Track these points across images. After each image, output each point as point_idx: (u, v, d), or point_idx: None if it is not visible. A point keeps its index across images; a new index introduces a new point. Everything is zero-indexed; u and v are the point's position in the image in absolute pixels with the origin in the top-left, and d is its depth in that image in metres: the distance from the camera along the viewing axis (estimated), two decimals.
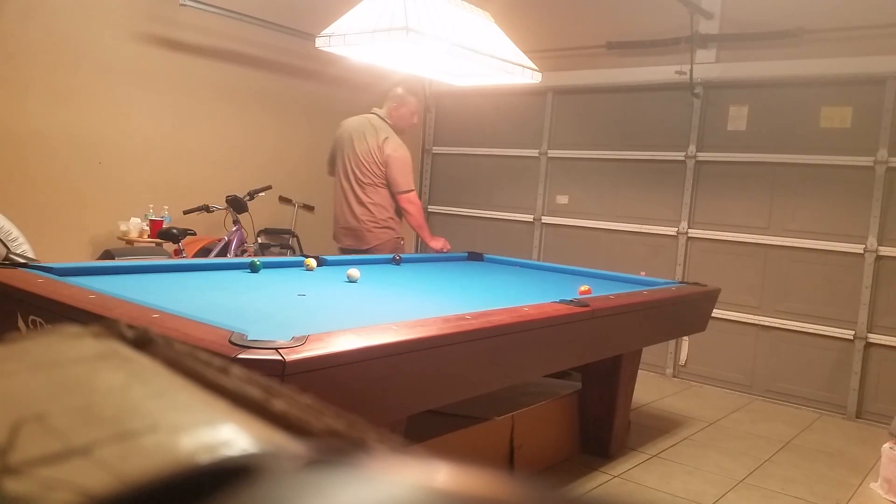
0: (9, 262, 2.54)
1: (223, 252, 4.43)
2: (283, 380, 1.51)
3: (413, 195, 4.12)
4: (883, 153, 4.29)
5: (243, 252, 4.52)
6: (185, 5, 4.53)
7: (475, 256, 4.50)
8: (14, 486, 0.28)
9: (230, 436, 0.33)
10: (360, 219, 4.05)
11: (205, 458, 0.30)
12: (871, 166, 4.33)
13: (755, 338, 4.77)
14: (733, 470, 3.34)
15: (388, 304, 2.69)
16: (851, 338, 4.41)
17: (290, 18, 5.13)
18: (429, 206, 6.43)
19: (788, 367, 4.63)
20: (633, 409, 3.83)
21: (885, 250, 4.31)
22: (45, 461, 0.29)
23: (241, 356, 1.51)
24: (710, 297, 3.67)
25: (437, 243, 4.27)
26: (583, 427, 3.39)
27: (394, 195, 4.06)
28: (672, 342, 4.97)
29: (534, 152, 5.78)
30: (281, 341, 1.61)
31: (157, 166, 4.66)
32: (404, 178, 4.04)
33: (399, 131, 4.10)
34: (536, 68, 3.46)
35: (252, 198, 4.67)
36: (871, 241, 4.34)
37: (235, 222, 4.50)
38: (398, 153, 4.02)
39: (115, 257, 3.70)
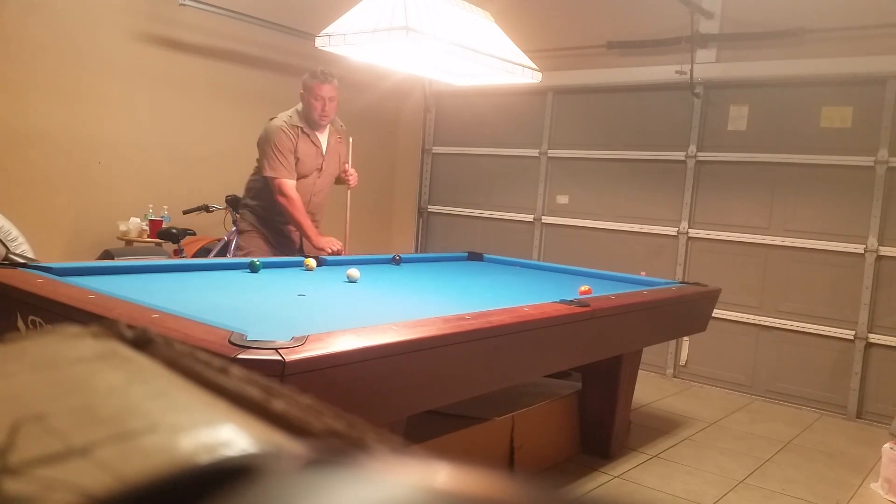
0: (8, 262, 2.54)
1: (223, 252, 4.43)
2: (283, 380, 1.51)
3: (281, 184, 3.52)
4: (883, 153, 4.29)
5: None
6: (184, 5, 4.53)
7: (475, 256, 4.50)
8: (14, 486, 0.28)
9: (230, 436, 0.33)
10: None
11: (204, 458, 0.30)
12: (872, 166, 4.33)
13: (755, 338, 4.77)
14: (734, 470, 3.34)
15: (388, 304, 2.69)
16: (852, 338, 4.41)
17: (290, 18, 5.13)
18: (429, 206, 6.43)
19: (789, 368, 4.63)
20: (634, 410, 3.83)
21: (886, 250, 4.31)
22: (45, 461, 0.29)
23: (240, 356, 1.51)
24: (710, 298, 3.67)
25: (324, 241, 3.61)
26: (583, 427, 3.39)
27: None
28: (672, 342, 4.97)
29: (534, 152, 5.78)
30: (280, 341, 1.61)
31: (157, 166, 4.66)
32: (264, 160, 3.57)
33: (312, 121, 3.62)
34: (536, 68, 3.46)
35: None
36: (872, 242, 4.34)
37: (235, 222, 4.50)
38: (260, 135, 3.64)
39: (114, 257, 3.70)
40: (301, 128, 3.59)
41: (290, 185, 3.54)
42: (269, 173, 3.54)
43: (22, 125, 4.04)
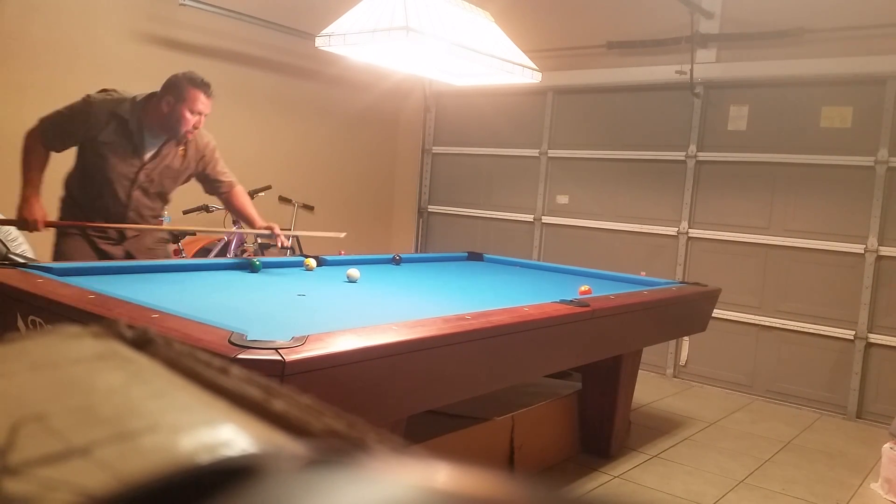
0: (8, 262, 2.54)
1: (223, 252, 4.43)
2: (283, 380, 1.51)
3: (34, 134, 2.96)
4: (883, 153, 4.29)
5: (243, 252, 4.52)
6: (184, 5, 4.53)
7: (475, 256, 4.50)
8: (14, 486, 0.28)
9: (230, 436, 0.33)
10: None
11: (204, 458, 0.30)
12: (872, 166, 4.33)
13: (755, 338, 4.77)
14: (733, 470, 3.34)
15: (388, 304, 2.69)
16: (852, 338, 4.41)
17: (290, 18, 5.13)
18: (429, 206, 6.43)
19: (789, 368, 4.63)
20: (634, 410, 3.83)
21: (886, 250, 4.31)
22: (45, 461, 0.29)
23: (240, 356, 1.51)
24: (710, 298, 3.67)
25: (30, 211, 2.86)
26: (583, 427, 3.39)
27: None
28: (672, 342, 4.97)
29: (534, 152, 5.78)
30: (281, 341, 1.61)
31: None
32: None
33: (166, 129, 2.98)
34: (536, 68, 3.46)
35: (252, 198, 4.65)
36: (872, 241, 4.34)
37: (235, 222, 4.50)
38: None
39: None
40: (125, 120, 2.90)
41: (39, 142, 2.92)
42: (36, 122, 2.93)
43: (21, 125, 4.03)
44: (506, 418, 2.91)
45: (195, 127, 2.98)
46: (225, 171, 3.27)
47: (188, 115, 2.92)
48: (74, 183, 3.06)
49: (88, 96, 2.93)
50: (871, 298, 4.35)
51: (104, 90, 2.99)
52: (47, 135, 2.93)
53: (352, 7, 3.01)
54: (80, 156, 3.02)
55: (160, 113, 2.92)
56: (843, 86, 4.44)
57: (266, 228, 3.25)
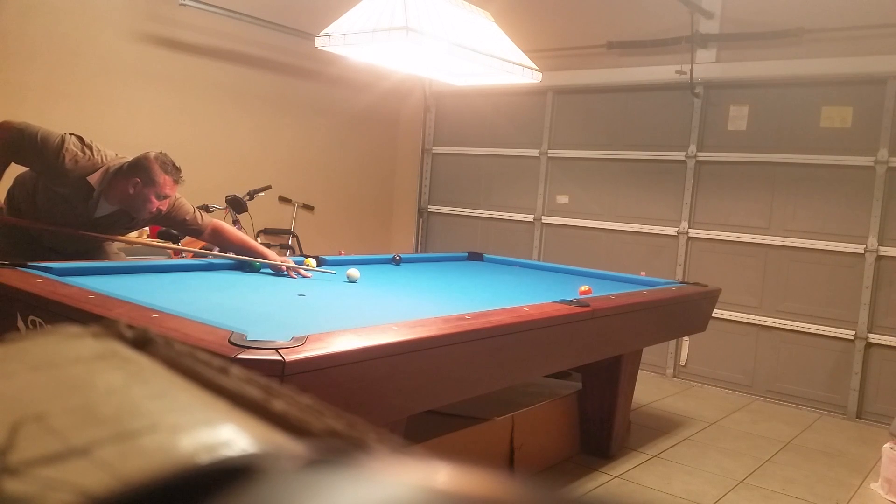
0: (8, 262, 2.54)
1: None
2: (283, 380, 1.51)
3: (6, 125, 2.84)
4: (883, 153, 4.29)
5: None
6: (184, 5, 4.53)
7: (475, 256, 4.50)
8: (14, 486, 0.28)
9: (230, 436, 0.33)
10: None
11: (204, 458, 0.30)
12: (872, 166, 4.33)
13: (755, 338, 4.77)
14: (734, 470, 3.34)
15: (388, 304, 2.69)
16: (852, 338, 4.41)
17: (290, 18, 5.13)
18: (429, 206, 6.43)
19: (789, 368, 4.63)
20: (634, 410, 3.83)
21: (886, 250, 4.31)
22: (45, 461, 0.29)
23: (240, 356, 1.51)
24: (710, 298, 3.67)
25: None
26: (583, 427, 3.39)
27: None
28: (672, 342, 4.97)
29: (534, 152, 5.78)
30: (280, 341, 1.61)
31: None
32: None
33: (127, 205, 2.87)
34: (536, 68, 3.46)
35: (252, 198, 4.67)
36: (872, 241, 4.33)
37: (235, 222, 4.50)
38: None
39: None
40: (91, 189, 2.81)
41: (2, 152, 2.82)
42: (13, 126, 2.79)
43: None
44: (506, 418, 2.91)
45: (159, 210, 2.90)
46: (195, 216, 3.12)
47: (154, 199, 2.84)
48: (19, 193, 2.97)
49: (65, 144, 2.76)
50: (871, 298, 4.35)
51: (80, 139, 2.84)
52: (10, 147, 2.80)
53: (352, 7, 3.01)
54: (36, 180, 2.91)
55: (125, 192, 2.82)
56: (843, 86, 4.44)
57: (278, 264, 3.09)
